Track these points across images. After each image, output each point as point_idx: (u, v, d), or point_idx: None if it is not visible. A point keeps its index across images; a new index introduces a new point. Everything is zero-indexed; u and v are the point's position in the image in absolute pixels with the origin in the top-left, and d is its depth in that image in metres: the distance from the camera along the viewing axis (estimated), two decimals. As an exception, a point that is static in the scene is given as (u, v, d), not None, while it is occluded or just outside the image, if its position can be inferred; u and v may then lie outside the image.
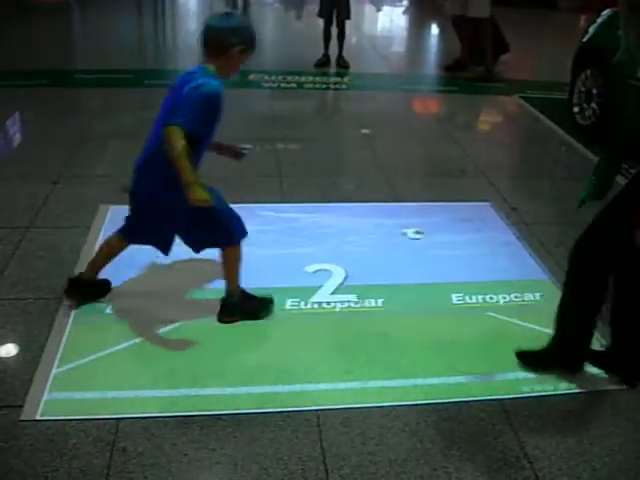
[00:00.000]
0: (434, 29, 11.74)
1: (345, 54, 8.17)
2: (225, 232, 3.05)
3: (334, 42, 8.08)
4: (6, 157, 5.07)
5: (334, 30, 8.01)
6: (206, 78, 2.78)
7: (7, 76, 6.84)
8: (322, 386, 2.82)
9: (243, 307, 3.22)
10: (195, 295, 3.41)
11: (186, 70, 2.90)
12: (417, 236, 4.05)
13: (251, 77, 7.42)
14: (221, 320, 3.20)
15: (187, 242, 3.13)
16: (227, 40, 2.80)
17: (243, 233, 3.12)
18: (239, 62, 2.88)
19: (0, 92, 6.32)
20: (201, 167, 2.89)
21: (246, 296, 3.23)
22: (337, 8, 7.83)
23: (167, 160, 2.68)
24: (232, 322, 3.19)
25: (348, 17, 7.96)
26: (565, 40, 8.41)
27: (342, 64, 8.15)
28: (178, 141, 2.63)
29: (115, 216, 4.05)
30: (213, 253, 3.15)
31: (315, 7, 8.22)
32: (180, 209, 2.82)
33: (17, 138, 5.56)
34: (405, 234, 4.05)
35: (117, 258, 3.19)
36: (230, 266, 3.15)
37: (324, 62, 8.17)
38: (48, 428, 2.51)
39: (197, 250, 3.17)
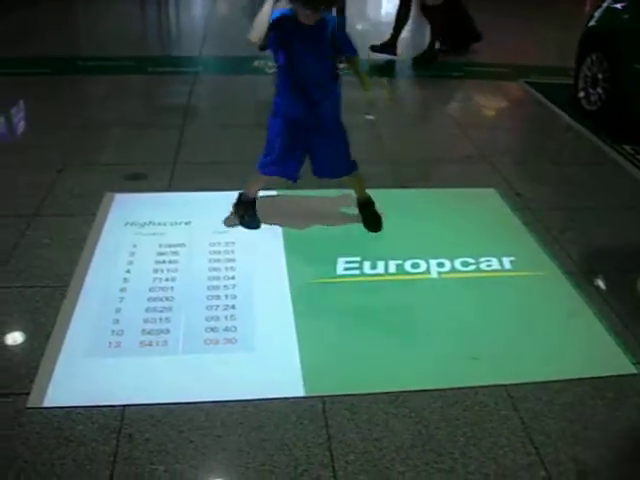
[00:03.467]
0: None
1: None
2: None
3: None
4: (10, 145, 5.07)
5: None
6: None
7: (11, 64, 6.83)
8: (326, 372, 2.82)
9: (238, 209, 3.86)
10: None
11: None
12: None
13: (255, 63, 7.39)
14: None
15: None
16: None
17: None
18: None
19: (4, 80, 6.32)
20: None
21: (249, 204, 3.84)
22: None
23: None
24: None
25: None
26: (570, 25, 8.35)
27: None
28: None
29: (120, 204, 4.05)
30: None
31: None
32: None
33: (21, 126, 5.55)
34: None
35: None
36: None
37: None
38: (54, 415, 2.52)
39: None
